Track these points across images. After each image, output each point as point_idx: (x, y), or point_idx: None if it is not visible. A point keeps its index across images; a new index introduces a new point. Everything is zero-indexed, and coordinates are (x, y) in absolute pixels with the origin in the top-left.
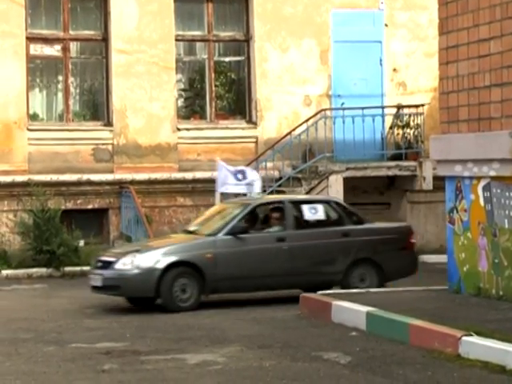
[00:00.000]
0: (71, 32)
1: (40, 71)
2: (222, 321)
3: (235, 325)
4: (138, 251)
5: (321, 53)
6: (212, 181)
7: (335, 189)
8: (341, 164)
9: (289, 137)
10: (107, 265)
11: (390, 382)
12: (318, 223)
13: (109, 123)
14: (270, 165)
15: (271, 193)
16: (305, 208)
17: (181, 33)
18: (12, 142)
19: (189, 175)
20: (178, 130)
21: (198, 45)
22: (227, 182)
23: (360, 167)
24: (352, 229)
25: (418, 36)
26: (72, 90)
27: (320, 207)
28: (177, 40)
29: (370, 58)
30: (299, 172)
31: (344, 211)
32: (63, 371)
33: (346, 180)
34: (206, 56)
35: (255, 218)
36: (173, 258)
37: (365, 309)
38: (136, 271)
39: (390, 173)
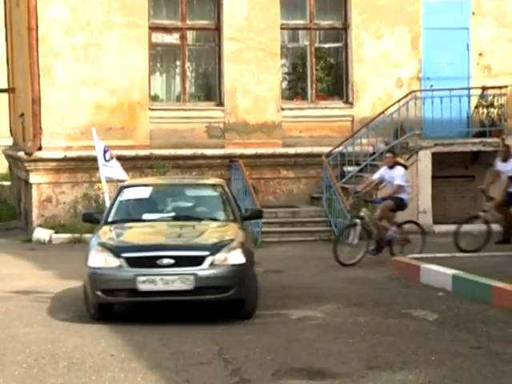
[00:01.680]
0: (188, 22)
1: (160, 57)
2: (320, 281)
3: (332, 284)
4: (232, 240)
5: (412, 39)
6: (312, 155)
7: (424, 163)
8: (429, 140)
9: (382, 116)
10: (190, 260)
11: (474, 337)
12: None
13: (220, 103)
14: (364, 141)
15: (365, 167)
16: None
17: (285, 22)
18: (136, 121)
19: (291, 150)
20: (282, 109)
21: (301, 33)
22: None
23: (447, 143)
24: None
25: (503, 23)
26: (188, 73)
27: None
28: (281, 28)
29: (457, 44)
30: (391, 147)
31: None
32: (181, 322)
33: (434, 155)
34: (307, 43)
35: None
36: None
37: (451, 271)
38: (242, 267)
39: (475, 148)
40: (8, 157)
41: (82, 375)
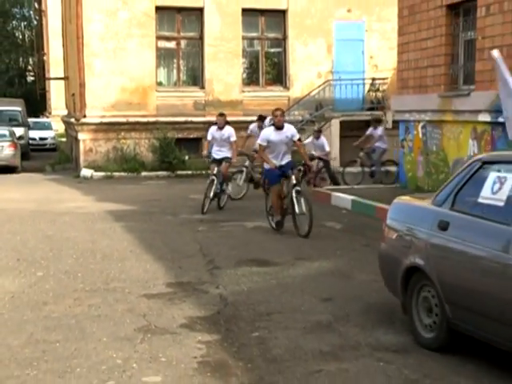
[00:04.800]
0: (181, 33)
1: (163, 57)
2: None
3: None
4: None
5: (327, 47)
6: None
7: (335, 127)
8: (338, 113)
9: (308, 96)
10: None
11: (364, 239)
12: None
13: (203, 87)
14: (296, 113)
15: (297, 131)
16: None
17: (245, 34)
18: (147, 98)
19: (249, 118)
20: (243, 92)
21: (255, 41)
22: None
23: (349, 114)
24: None
25: (385, 37)
26: (181, 68)
27: None
28: (243, 38)
29: (356, 50)
30: (314, 117)
31: None
32: (176, 231)
33: (341, 122)
34: (259, 48)
35: None
36: None
37: (350, 197)
38: None
39: (367, 118)
40: (64, 122)
41: (111, 263)
